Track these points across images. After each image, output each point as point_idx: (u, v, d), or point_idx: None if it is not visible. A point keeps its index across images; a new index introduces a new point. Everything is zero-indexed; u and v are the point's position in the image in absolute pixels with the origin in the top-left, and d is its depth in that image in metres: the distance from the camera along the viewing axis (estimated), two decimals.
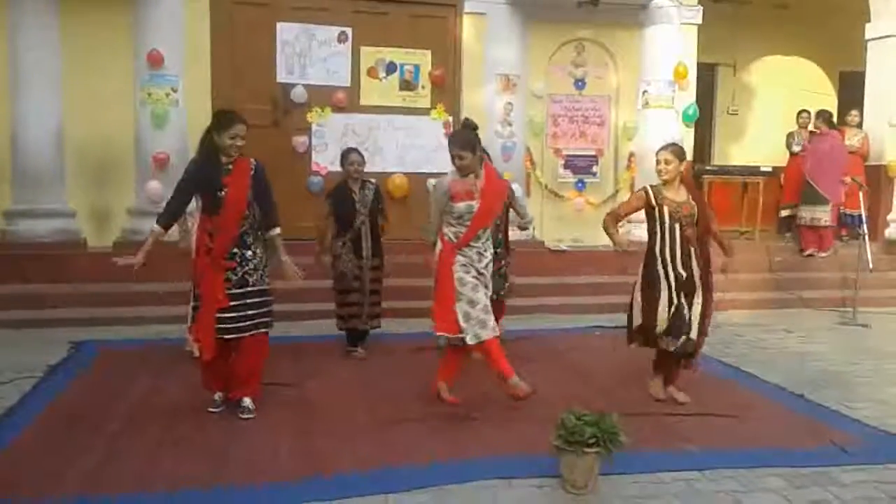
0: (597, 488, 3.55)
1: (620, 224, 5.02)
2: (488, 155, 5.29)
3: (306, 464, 3.83)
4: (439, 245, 4.61)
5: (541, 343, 6.42)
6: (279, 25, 8.27)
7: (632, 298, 4.89)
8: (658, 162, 4.76)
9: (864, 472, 3.85)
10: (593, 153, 9.31)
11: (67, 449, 3.96)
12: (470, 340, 4.49)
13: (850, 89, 11.30)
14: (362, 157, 5.97)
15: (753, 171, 10.21)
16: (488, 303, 4.58)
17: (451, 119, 8.74)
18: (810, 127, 9.99)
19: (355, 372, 5.58)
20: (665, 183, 4.76)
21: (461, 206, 4.51)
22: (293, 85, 8.30)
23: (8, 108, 7.47)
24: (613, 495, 3.54)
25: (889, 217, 9.75)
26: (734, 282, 8.21)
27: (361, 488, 3.53)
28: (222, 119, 4.42)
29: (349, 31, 8.45)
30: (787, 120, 10.77)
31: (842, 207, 9.43)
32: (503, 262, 5.73)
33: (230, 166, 4.38)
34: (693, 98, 9.28)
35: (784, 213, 10.21)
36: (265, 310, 4.50)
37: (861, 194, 8.70)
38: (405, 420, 4.44)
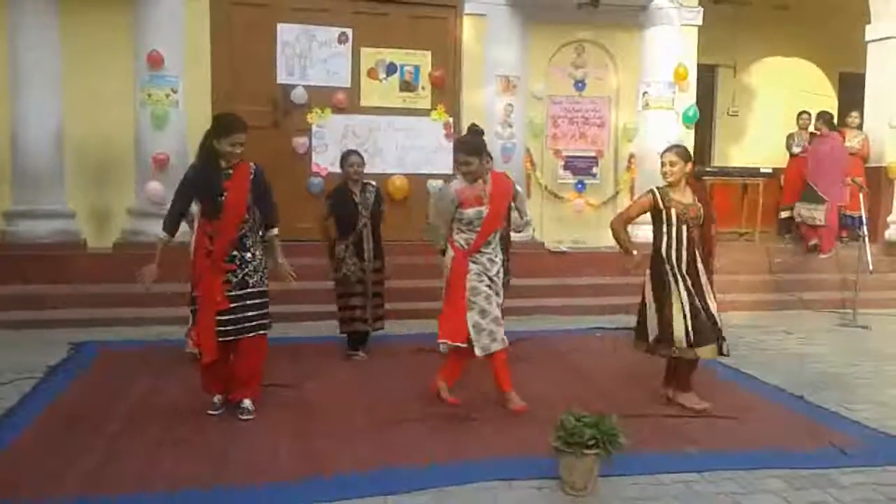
0: (596, 490, 3.55)
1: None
2: (490, 157, 5.29)
3: (306, 464, 3.83)
4: (450, 252, 4.61)
5: (541, 344, 6.42)
6: (279, 26, 8.28)
7: (643, 304, 4.81)
8: (663, 164, 4.73)
9: (863, 474, 3.84)
10: (593, 154, 9.31)
11: (67, 450, 3.96)
12: (478, 352, 4.53)
13: (851, 91, 11.30)
14: (362, 158, 5.97)
15: (753, 172, 10.21)
16: (499, 314, 4.60)
17: (451, 120, 8.74)
18: (810, 128, 10.00)
19: (355, 373, 5.57)
20: (670, 185, 4.73)
21: (471, 212, 4.53)
22: (293, 86, 8.31)
23: (8, 109, 7.47)
24: (613, 497, 3.54)
25: (889, 219, 9.75)
26: (734, 283, 8.24)
27: (361, 489, 3.53)
28: (223, 125, 4.40)
29: (349, 31, 8.45)
30: (788, 121, 10.78)
31: (842, 209, 9.43)
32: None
33: (230, 171, 4.38)
34: (693, 99, 9.28)
35: (784, 214, 10.21)
36: (265, 311, 4.50)
37: (861, 196, 8.70)
38: (405, 421, 4.44)
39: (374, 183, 6.07)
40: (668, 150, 4.81)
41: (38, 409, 4.59)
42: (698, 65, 9.39)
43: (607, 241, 9.13)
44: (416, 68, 8.70)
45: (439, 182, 8.63)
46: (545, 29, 8.95)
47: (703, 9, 9.16)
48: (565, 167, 9.23)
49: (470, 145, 4.57)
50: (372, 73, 8.59)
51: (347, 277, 5.80)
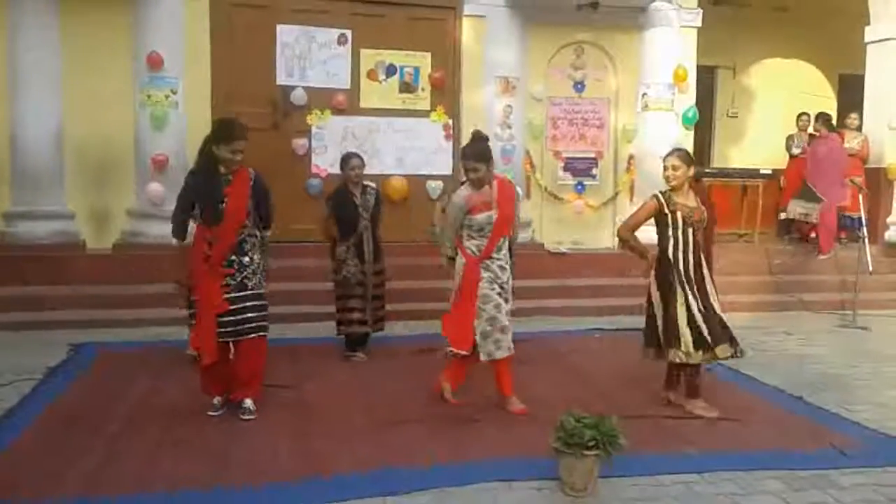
0: (596, 491, 3.55)
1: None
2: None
3: (305, 465, 3.83)
4: (461, 259, 4.63)
5: (541, 345, 6.40)
6: (279, 27, 8.27)
7: (650, 308, 4.79)
8: (665, 168, 4.71)
9: (862, 475, 3.84)
10: (593, 156, 9.31)
11: (67, 450, 3.96)
12: (483, 358, 4.57)
13: (850, 92, 11.30)
14: (363, 161, 5.97)
15: (753, 173, 10.22)
16: (507, 322, 4.62)
17: (451, 122, 8.74)
18: (810, 129, 10.01)
19: (355, 374, 5.57)
20: (673, 189, 4.71)
21: (481, 217, 4.55)
22: (293, 87, 8.29)
23: (7, 109, 7.46)
24: (613, 498, 3.54)
25: (889, 220, 9.75)
26: (734, 284, 8.24)
27: (361, 489, 3.54)
28: (223, 131, 4.41)
29: (349, 33, 8.44)
30: (787, 122, 10.79)
31: (841, 210, 9.43)
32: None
33: (230, 176, 4.39)
34: (693, 101, 9.28)
35: (783, 215, 10.22)
36: (264, 313, 4.52)
37: (861, 197, 8.70)
38: (405, 421, 4.44)
39: (373, 184, 6.07)
40: (671, 153, 4.79)
41: (37, 410, 4.59)
42: (698, 66, 9.39)
43: (607, 242, 9.25)
44: (416, 69, 8.70)
45: (439, 183, 8.67)
46: (544, 30, 8.95)
47: (702, 10, 9.16)
48: (565, 168, 9.22)
49: (479, 152, 4.60)
50: (371, 75, 8.58)
51: (348, 280, 5.79)
